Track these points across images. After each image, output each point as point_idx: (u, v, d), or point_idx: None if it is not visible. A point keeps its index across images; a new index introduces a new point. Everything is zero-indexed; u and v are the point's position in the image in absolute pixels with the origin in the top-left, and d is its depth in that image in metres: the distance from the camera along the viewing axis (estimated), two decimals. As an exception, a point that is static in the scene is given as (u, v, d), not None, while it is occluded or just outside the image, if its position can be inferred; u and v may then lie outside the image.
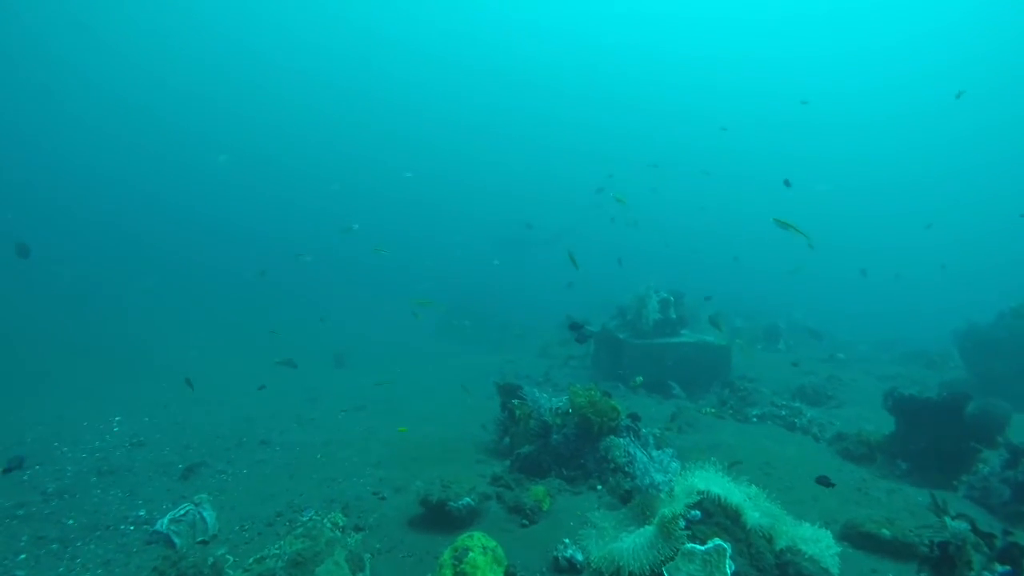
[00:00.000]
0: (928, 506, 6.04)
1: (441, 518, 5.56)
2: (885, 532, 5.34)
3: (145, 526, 6.41)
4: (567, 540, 4.98)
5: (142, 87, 53.37)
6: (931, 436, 7.46)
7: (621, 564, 4.69)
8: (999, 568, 3.89)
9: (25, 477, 7.64)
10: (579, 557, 4.80)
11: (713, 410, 9.90)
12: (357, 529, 5.62)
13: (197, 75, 54.96)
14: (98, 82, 52.16)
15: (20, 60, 46.79)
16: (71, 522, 6.43)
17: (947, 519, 4.66)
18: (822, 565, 4.75)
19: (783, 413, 9.68)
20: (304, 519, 4.87)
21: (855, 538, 5.44)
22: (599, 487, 6.22)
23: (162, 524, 6.17)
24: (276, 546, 4.42)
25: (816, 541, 5.00)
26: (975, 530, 4.15)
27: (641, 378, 10.74)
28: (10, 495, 6.98)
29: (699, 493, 4.89)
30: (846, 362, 16.71)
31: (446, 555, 4.48)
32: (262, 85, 58.98)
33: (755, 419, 9.68)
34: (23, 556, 5.65)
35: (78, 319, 20.90)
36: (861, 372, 14.98)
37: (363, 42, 58.59)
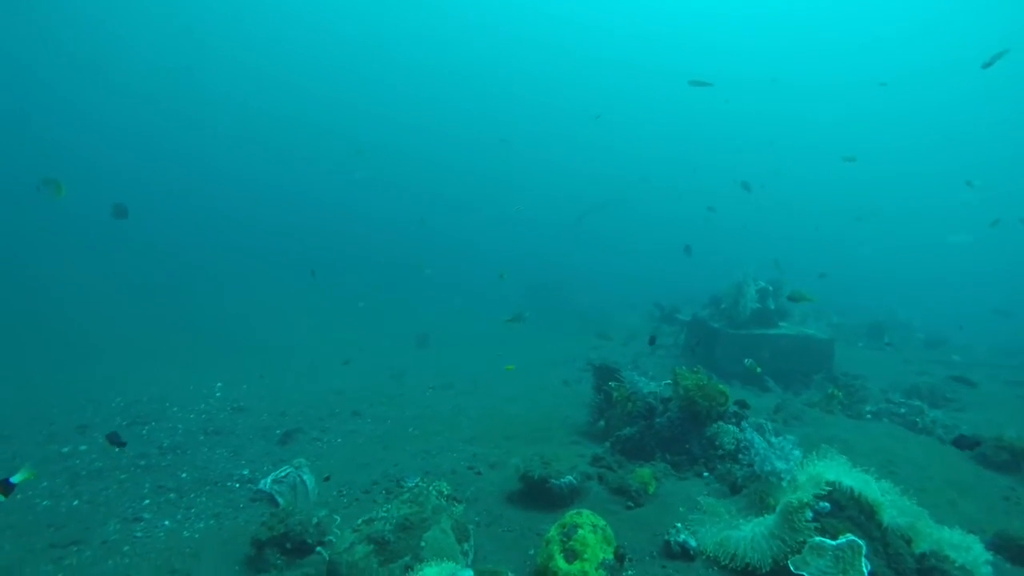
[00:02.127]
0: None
1: (541, 495, 5.38)
2: (1048, 545, 4.69)
3: (249, 484, 6.65)
4: (679, 524, 4.67)
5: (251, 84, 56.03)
6: (1088, 444, 6.57)
7: (738, 553, 4.36)
8: None
9: (144, 432, 8.14)
10: (692, 543, 4.49)
11: (819, 404, 9.20)
12: (457, 501, 5.55)
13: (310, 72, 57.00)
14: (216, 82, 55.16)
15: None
16: (184, 475, 6.76)
17: None
18: None
19: (902, 411, 8.84)
20: (410, 485, 4.82)
21: (1013, 551, 4.81)
22: (705, 474, 5.85)
23: (265, 483, 6.36)
24: (384, 509, 4.37)
25: (966, 549, 4.45)
26: None
27: (758, 367, 10.05)
28: (133, 446, 7.43)
29: (828, 484, 4.46)
30: (963, 365, 15.24)
31: (553, 531, 4.29)
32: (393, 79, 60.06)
33: (869, 415, 8.91)
34: (147, 501, 5.98)
35: (183, 300, 22.34)
36: (984, 376, 13.59)
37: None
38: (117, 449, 6.01)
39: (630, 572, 4.31)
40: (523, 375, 12.60)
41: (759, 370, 9.87)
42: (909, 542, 4.48)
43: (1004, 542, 4.87)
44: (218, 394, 10.82)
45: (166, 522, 5.57)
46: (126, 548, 4.90)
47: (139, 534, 5.23)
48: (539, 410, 8.99)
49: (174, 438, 8.00)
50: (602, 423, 7.18)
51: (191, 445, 7.84)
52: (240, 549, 4.91)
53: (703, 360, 11.72)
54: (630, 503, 5.24)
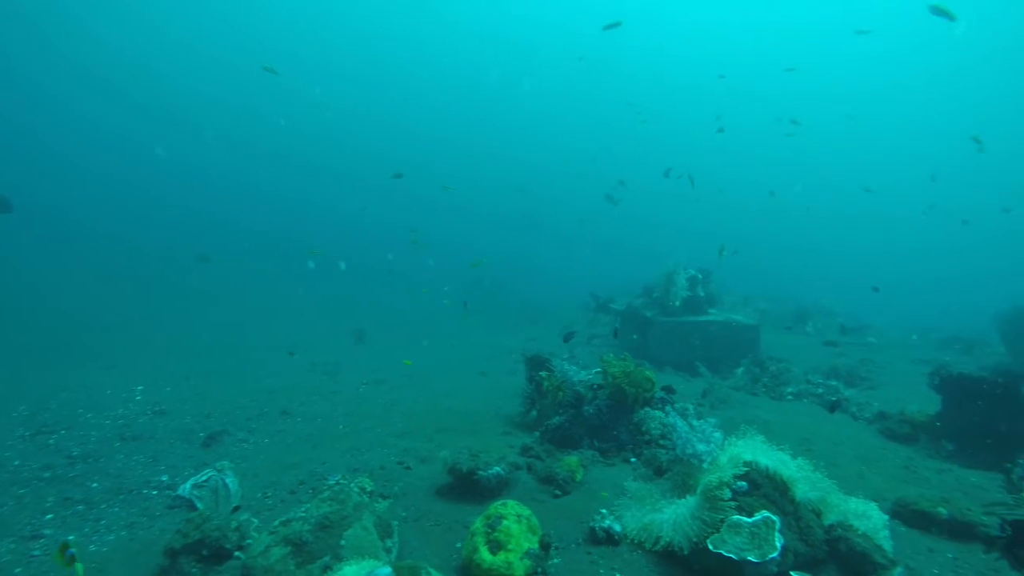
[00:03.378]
0: (991, 486, 5.71)
1: (470, 487, 5.35)
2: (942, 511, 5.02)
3: (168, 491, 6.31)
4: (604, 511, 4.73)
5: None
6: (981, 416, 7.09)
7: (662, 535, 4.46)
8: None
9: (51, 441, 7.60)
10: (617, 528, 4.56)
11: (743, 387, 9.58)
12: (383, 497, 5.44)
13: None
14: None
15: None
16: (95, 485, 6.35)
17: (1024, 494, 4.34)
18: (875, 541, 4.47)
19: (819, 391, 9.32)
20: (331, 483, 4.68)
21: (908, 516, 5.14)
22: (633, 459, 5.97)
23: (184, 489, 6.05)
24: (303, 509, 4.23)
25: (867, 517, 4.71)
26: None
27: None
28: (37, 457, 6.93)
29: (746, 464, 4.62)
30: (879, 346, 16.22)
31: (478, 523, 4.27)
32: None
33: (790, 397, 9.34)
34: (50, 516, 5.56)
35: (103, 299, 21.08)
36: (895, 356, 14.51)
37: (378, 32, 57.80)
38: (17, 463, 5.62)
39: (556, 560, 4.33)
40: (459, 369, 12.55)
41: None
42: (819, 514, 4.70)
43: (901, 508, 5.19)
44: (138, 397, 10.24)
45: (71, 537, 5.20)
46: (18, 570, 4.54)
47: (37, 552, 4.86)
48: (473, 402, 8.95)
49: (86, 446, 7.50)
50: (534, 413, 7.21)
51: (105, 453, 7.38)
52: (153, 560, 4.65)
53: (636, 348, 11.97)
54: (558, 491, 5.29)
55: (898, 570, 4.14)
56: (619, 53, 54.55)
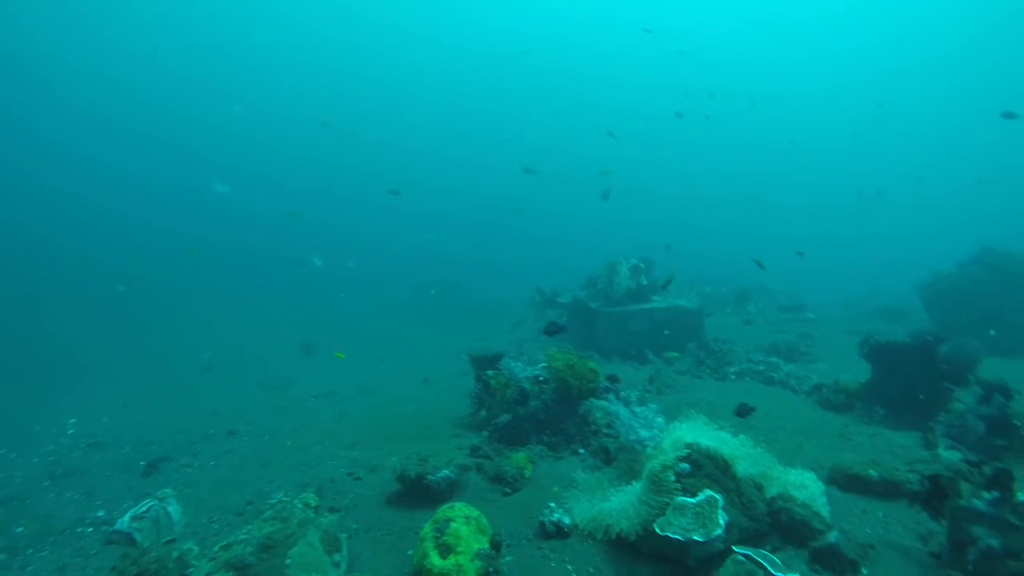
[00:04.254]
0: (916, 445, 6.03)
1: (420, 493, 5.31)
2: (872, 473, 5.28)
3: (105, 527, 6.02)
4: (552, 504, 4.77)
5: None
6: (907, 380, 7.49)
7: (610, 523, 4.52)
8: (986, 495, 3.82)
9: (-33, 487, 7.14)
10: (566, 520, 4.60)
11: (689, 370, 9.84)
12: (332, 511, 5.33)
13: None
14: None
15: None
16: (20, 529, 5.99)
17: (940, 450, 4.61)
18: (813, 509, 4.66)
19: (760, 368, 9.66)
20: (273, 501, 4.56)
21: (843, 481, 5.38)
22: (581, 451, 6.04)
23: (123, 523, 5.77)
24: (244, 531, 4.10)
25: (805, 486, 4.90)
26: (966, 460, 4.08)
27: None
28: (-49, 506, 6.49)
29: (687, 446, 4.74)
30: (816, 321, 16.92)
31: (427, 528, 4.23)
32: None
33: (733, 376, 9.64)
34: (-35, 570, 5.22)
35: (31, 321, 19.92)
36: (832, 329, 15.17)
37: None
38: None
39: (508, 558, 4.34)
40: (409, 374, 12.44)
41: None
42: (761, 488, 4.86)
43: (837, 474, 5.44)
44: (70, 431, 9.75)
45: (-7, 588, 4.91)
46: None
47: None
48: (424, 407, 8.89)
49: (9, 489, 7.08)
50: (483, 412, 7.21)
51: (32, 493, 6.98)
52: (86, 603, 4.43)
53: (584, 340, 12.12)
54: (507, 489, 5.30)
55: (834, 533, 4.32)
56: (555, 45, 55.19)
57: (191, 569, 4.56)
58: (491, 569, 4.10)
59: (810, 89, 59.46)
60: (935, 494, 4.03)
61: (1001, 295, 12.60)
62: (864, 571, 4.09)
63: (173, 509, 6.00)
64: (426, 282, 27.55)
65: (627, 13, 56.70)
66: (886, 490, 5.15)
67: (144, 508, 5.95)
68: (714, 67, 56.44)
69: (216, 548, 4.01)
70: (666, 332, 11.65)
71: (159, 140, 54.12)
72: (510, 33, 58.09)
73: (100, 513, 6.35)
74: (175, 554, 4.68)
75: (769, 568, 3.67)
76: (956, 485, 3.97)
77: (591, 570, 4.20)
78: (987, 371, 7.83)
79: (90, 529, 6.00)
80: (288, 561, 3.92)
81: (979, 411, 6.41)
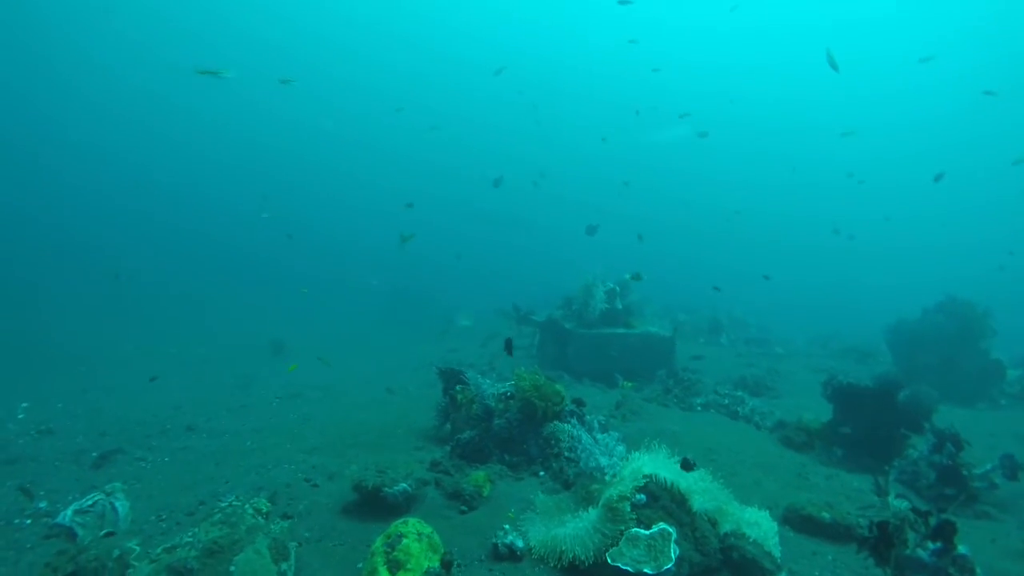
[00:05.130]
0: (870, 489, 6.13)
1: (376, 505, 5.24)
2: (825, 515, 5.36)
3: (45, 519, 5.81)
4: (507, 526, 4.75)
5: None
6: (866, 422, 7.64)
7: (564, 549, 4.51)
8: (931, 545, 3.90)
9: (-102, 470, 6.86)
10: (519, 543, 4.58)
11: (657, 399, 9.91)
12: (285, 517, 5.24)
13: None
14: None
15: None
16: (-46, 518, 5.76)
17: (890, 499, 4.70)
18: (765, 548, 4.70)
19: (726, 402, 9.77)
20: (223, 505, 4.46)
21: (796, 521, 5.45)
22: (541, 473, 6.03)
23: (65, 516, 5.58)
24: (190, 534, 4.01)
25: (759, 525, 4.95)
26: (914, 509, 4.17)
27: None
28: None
29: (645, 477, 4.76)
30: (785, 356, 17.19)
31: (378, 542, 4.18)
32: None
33: (699, 407, 9.73)
34: None
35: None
36: (799, 365, 15.43)
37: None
38: None
39: (458, 577, 4.30)
40: (378, 382, 12.32)
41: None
42: (715, 524, 4.90)
43: (791, 514, 5.51)
44: (21, 416, 9.44)
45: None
46: None
47: None
48: (389, 417, 8.80)
49: (-56, 473, 6.82)
50: (448, 427, 7.17)
51: (-30, 479, 6.73)
52: (15, 600, 4.26)
53: (556, 360, 12.15)
54: (464, 507, 5.26)
55: (782, 574, 4.37)
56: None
57: (131, 570, 4.44)
58: (440, 589, 4.07)
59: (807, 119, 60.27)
60: (882, 541, 4.11)
61: (960, 343, 12.97)
62: (809, 613, 4.14)
63: (120, 505, 5.83)
64: (403, 288, 27.43)
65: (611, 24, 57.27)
66: (837, 533, 5.22)
67: (90, 502, 5.77)
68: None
69: (159, 550, 3.91)
70: (638, 357, 11.71)
71: (152, 131, 53.39)
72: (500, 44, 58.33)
73: (42, 504, 6.14)
74: (116, 553, 4.55)
75: (715, 605, 3.69)
76: (903, 534, 4.05)
77: (540, 596, 4.18)
78: (942, 419, 8.04)
79: (28, 521, 5.79)
80: (233, 568, 3.84)
81: (931, 459, 6.57)
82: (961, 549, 3.77)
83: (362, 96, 60.14)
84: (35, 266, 26.58)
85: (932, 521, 4.04)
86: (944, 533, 3.85)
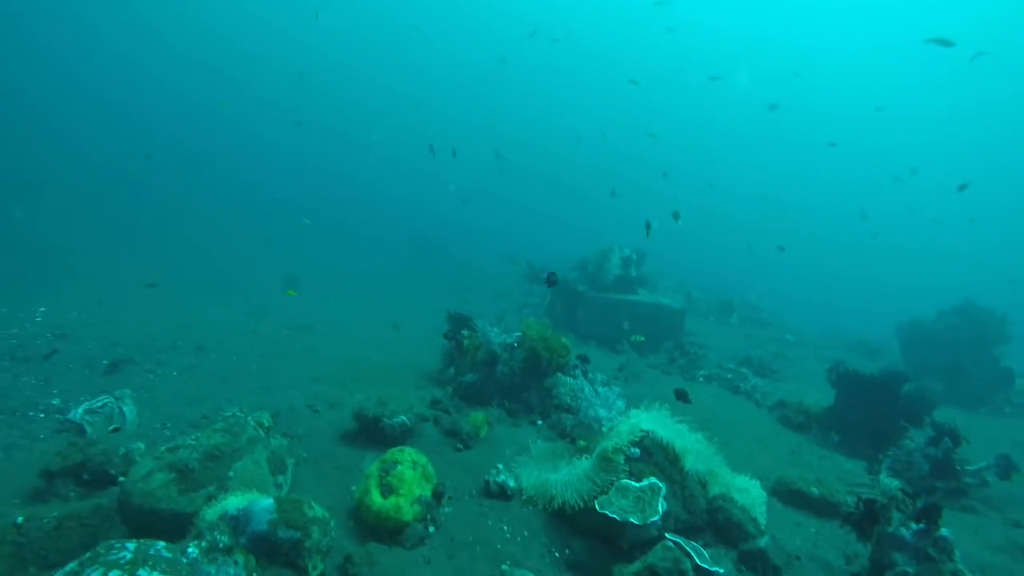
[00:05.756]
0: (862, 472, 6.18)
1: (374, 435, 5.36)
2: (814, 490, 5.41)
3: (58, 415, 6.02)
4: (500, 466, 4.85)
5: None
6: (867, 411, 7.62)
7: (555, 494, 4.59)
8: (914, 525, 3.93)
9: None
10: (511, 484, 4.68)
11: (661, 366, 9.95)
12: (286, 436, 5.38)
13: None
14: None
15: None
16: (-29, 402, 5.98)
17: (882, 476, 4.73)
18: (751, 514, 4.77)
19: (729, 376, 9.79)
20: (227, 414, 4.58)
21: (785, 494, 5.51)
22: (540, 422, 6.12)
23: (76, 413, 5.78)
24: (192, 437, 4.12)
25: (747, 491, 5.02)
26: (903, 489, 4.19)
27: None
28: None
29: (642, 432, 4.80)
30: (794, 343, 17.09)
31: (373, 467, 4.29)
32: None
33: (701, 379, 9.76)
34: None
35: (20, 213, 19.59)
36: (807, 354, 15.34)
37: None
38: None
39: (447, 509, 4.41)
40: (390, 324, 12.44)
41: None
42: (705, 486, 4.97)
43: (780, 487, 5.56)
44: (38, 319, 9.68)
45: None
46: None
47: None
48: (395, 356, 8.92)
49: (-36, 362, 7.05)
50: (452, 370, 7.26)
51: (-11, 371, 6.95)
52: (27, 481, 4.43)
53: (565, 320, 12.18)
54: (460, 445, 5.37)
55: (764, 539, 4.44)
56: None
57: (135, 466, 4.60)
58: (429, 516, 4.18)
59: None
60: (867, 518, 4.14)
61: (972, 347, 12.82)
62: (785, 578, 4.21)
63: (128, 409, 6.01)
64: (423, 243, 27.41)
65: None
66: (823, 508, 5.28)
67: (100, 404, 5.95)
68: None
69: (162, 448, 4.03)
70: (646, 326, 11.69)
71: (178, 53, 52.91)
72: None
73: (55, 401, 6.35)
74: (122, 450, 4.72)
75: (696, 558, 3.76)
76: (888, 512, 4.08)
77: (526, 534, 4.28)
78: (943, 417, 8.00)
79: (42, 415, 6.00)
80: (231, 474, 3.96)
81: (927, 451, 6.57)
82: (943, 532, 3.79)
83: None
84: (63, 178, 26.75)
85: (919, 503, 4.06)
86: (929, 514, 3.87)
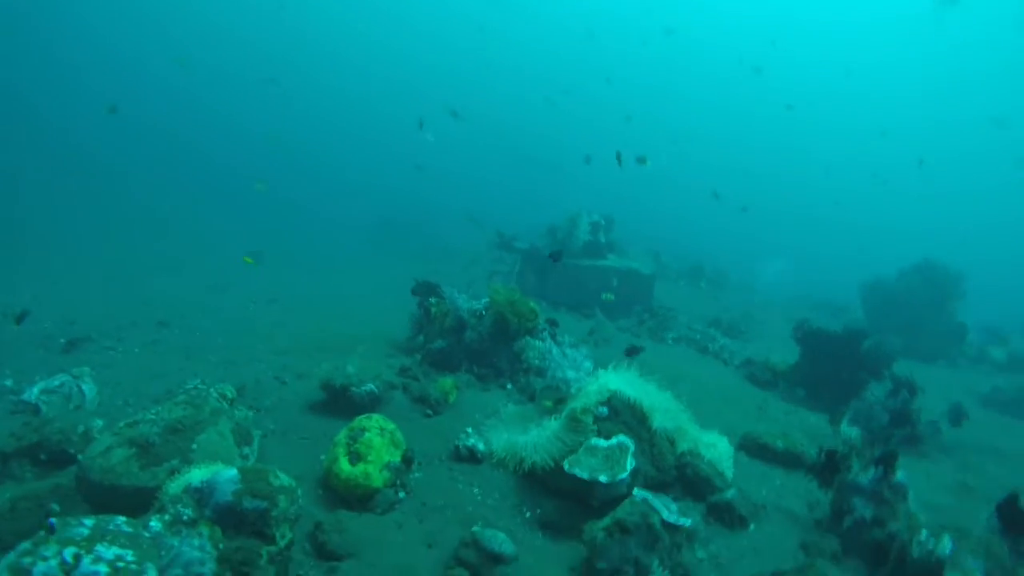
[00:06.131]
0: (825, 425, 6.36)
1: (343, 404, 5.31)
2: (779, 443, 5.56)
3: (11, 396, 5.81)
4: (469, 430, 4.86)
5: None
6: (830, 366, 7.84)
7: (524, 455, 4.62)
8: (871, 472, 4.07)
9: None
10: (480, 447, 4.69)
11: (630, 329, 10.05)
12: (253, 409, 5.29)
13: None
14: None
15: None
16: (-83, 386, 5.73)
17: (843, 426, 4.88)
18: (718, 468, 4.88)
19: (697, 337, 9.95)
20: (188, 387, 4.48)
21: (751, 448, 5.65)
22: (509, 386, 6.14)
23: (31, 393, 5.61)
24: (153, 412, 4.02)
25: (715, 447, 5.12)
26: (863, 439, 4.33)
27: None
28: None
29: (610, 392, 4.84)
30: (762, 304, 17.42)
31: (341, 434, 4.26)
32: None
33: (671, 341, 9.91)
34: None
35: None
36: (775, 314, 15.66)
37: None
38: None
39: (417, 474, 4.41)
40: (358, 295, 12.30)
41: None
42: (673, 443, 5.05)
43: (747, 441, 5.70)
44: (-11, 298, 9.30)
45: None
46: None
47: None
48: (364, 327, 8.80)
49: (-95, 346, 6.75)
50: (421, 338, 7.21)
51: (-66, 353, 6.67)
52: (-20, 465, 4.28)
53: (535, 288, 12.17)
54: (429, 411, 5.36)
55: (731, 491, 4.55)
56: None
57: (93, 443, 4.48)
58: (398, 482, 4.18)
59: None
60: (828, 467, 4.27)
61: (930, 305, 13.24)
62: (752, 527, 4.34)
63: (88, 388, 5.85)
64: (392, 213, 26.98)
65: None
66: (788, 460, 5.44)
67: (57, 383, 5.78)
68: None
69: (121, 424, 3.93)
70: (616, 291, 11.74)
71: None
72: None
73: (8, 382, 6.13)
74: (81, 428, 4.59)
75: (663, 512, 3.83)
76: (848, 460, 4.21)
77: (496, 496, 4.32)
78: (901, 371, 8.27)
79: (-6, 397, 5.79)
80: (195, 446, 3.89)
81: (886, 403, 6.80)
82: (899, 476, 3.94)
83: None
84: (18, 154, 25.46)
85: (876, 451, 4.20)
86: (886, 461, 4.01)
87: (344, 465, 4.02)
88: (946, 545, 3.39)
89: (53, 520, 3.19)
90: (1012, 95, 47.41)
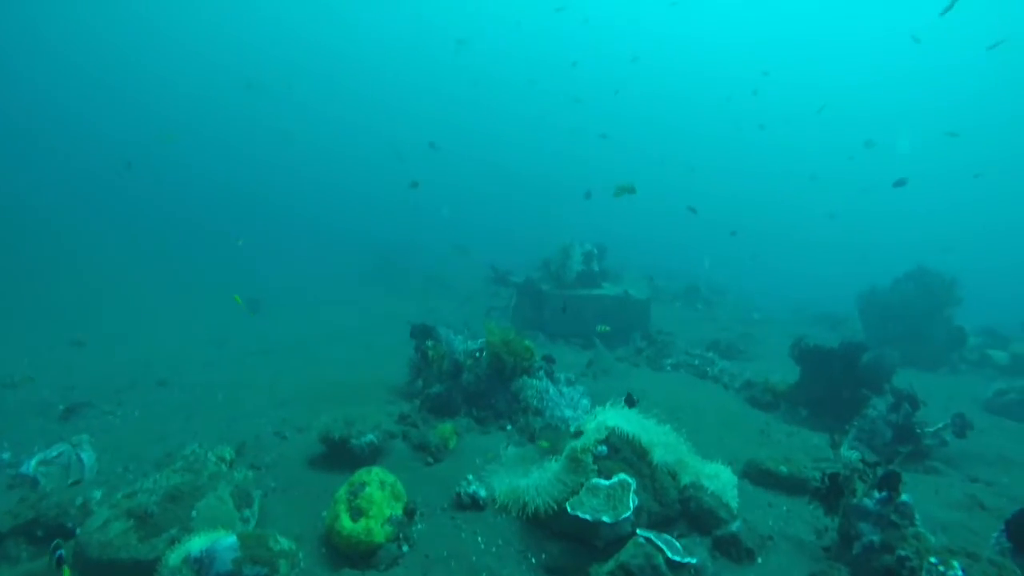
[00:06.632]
0: (828, 446, 6.31)
1: (343, 456, 5.29)
2: (783, 469, 5.51)
3: (9, 469, 5.79)
4: (470, 476, 4.83)
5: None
6: (830, 384, 7.82)
7: (527, 500, 4.59)
8: (876, 494, 4.04)
9: None
10: (482, 493, 4.66)
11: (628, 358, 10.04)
12: (253, 468, 5.26)
13: None
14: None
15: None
16: (-86, 464, 5.71)
17: (843, 449, 4.85)
18: (723, 500, 4.83)
19: (696, 362, 9.94)
20: (186, 452, 4.47)
21: (755, 475, 5.60)
22: (509, 427, 6.11)
23: (28, 466, 5.57)
24: (151, 480, 4.01)
25: (718, 478, 5.08)
26: (864, 461, 4.31)
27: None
28: None
29: (608, 429, 4.83)
30: (760, 322, 17.44)
31: (342, 490, 4.23)
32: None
33: (669, 367, 9.89)
34: None
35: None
36: (774, 331, 15.66)
37: None
38: None
39: (420, 526, 4.38)
40: (355, 339, 12.30)
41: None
42: (675, 476, 5.01)
43: (751, 468, 5.65)
44: (-14, 368, 9.31)
45: None
46: None
47: None
48: (363, 373, 8.82)
49: (-93, 421, 6.74)
50: (419, 382, 7.21)
51: (-67, 428, 6.66)
52: (-24, 546, 4.24)
53: (532, 321, 12.20)
54: (430, 459, 5.34)
55: (737, 523, 4.51)
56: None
57: (92, 516, 4.45)
58: (401, 535, 4.14)
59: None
60: (833, 491, 4.25)
61: (927, 312, 13.26)
62: (759, 559, 4.29)
63: (87, 456, 5.82)
64: (387, 249, 27.14)
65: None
66: (793, 486, 5.38)
67: (55, 453, 5.75)
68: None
69: (119, 495, 3.91)
70: (613, 319, 11.77)
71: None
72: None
73: (5, 455, 6.12)
74: (79, 500, 4.56)
75: (667, 552, 3.80)
76: (852, 483, 4.19)
77: (500, 543, 4.27)
78: (903, 382, 8.25)
79: (-8, 471, 5.76)
80: (194, 513, 3.87)
81: (888, 418, 6.77)
82: (904, 497, 3.91)
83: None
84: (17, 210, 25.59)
85: (879, 471, 4.18)
86: (889, 482, 3.99)
87: (345, 522, 4.00)
88: (956, 572, 3.36)
89: (62, 551, 3.21)
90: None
